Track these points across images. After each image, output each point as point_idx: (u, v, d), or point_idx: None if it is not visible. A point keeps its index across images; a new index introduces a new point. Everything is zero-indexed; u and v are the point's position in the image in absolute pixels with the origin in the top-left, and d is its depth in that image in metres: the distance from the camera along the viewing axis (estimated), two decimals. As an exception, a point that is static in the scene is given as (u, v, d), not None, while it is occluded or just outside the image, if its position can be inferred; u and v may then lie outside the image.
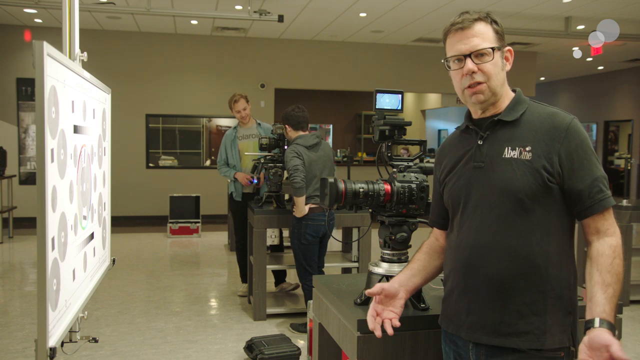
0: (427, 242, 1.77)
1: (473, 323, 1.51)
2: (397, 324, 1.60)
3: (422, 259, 1.73)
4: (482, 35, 1.50)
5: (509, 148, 1.49)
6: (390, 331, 1.58)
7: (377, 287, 1.64)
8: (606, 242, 1.44)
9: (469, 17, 1.52)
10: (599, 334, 1.31)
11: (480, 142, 1.55)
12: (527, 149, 1.46)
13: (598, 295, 1.38)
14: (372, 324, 1.61)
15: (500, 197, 1.47)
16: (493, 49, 1.50)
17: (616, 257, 1.42)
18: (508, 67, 1.56)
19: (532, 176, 1.44)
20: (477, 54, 1.50)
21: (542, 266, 1.45)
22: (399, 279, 1.69)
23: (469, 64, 1.50)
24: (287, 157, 3.99)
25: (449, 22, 1.56)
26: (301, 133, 4.12)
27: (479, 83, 1.51)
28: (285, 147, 4.37)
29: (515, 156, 1.47)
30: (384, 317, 1.62)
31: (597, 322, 1.34)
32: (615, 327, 1.34)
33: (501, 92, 1.54)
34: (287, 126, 4.13)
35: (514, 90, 1.59)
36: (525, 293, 1.46)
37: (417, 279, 1.70)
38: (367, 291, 1.66)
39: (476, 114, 1.60)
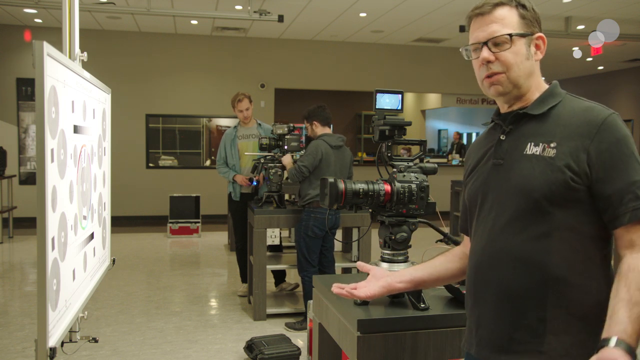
0: (453, 248, 1.66)
1: (482, 338, 1.37)
2: (358, 294, 1.56)
3: (436, 258, 1.62)
4: (503, 21, 1.35)
5: (532, 144, 1.33)
6: (340, 292, 1.56)
7: (366, 267, 1.67)
8: (638, 258, 1.22)
9: (490, 1, 1.38)
10: (612, 352, 1.10)
11: (502, 137, 1.40)
12: (552, 145, 1.30)
13: (621, 313, 1.16)
14: (336, 289, 1.59)
15: (516, 198, 1.32)
16: (511, 35, 1.34)
17: None
18: (539, 56, 1.39)
19: (553, 175, 1.27)
20: (495, 42, 1.35)
21: (561, 278, 1.27)
22: (397, 271, 1.64)
23: (484, 53, 1.36)
24: (308, 150, 4.10)
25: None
26: (327, 129, 4.21)
27: (497, 73, 1.36)
28: (286, 147, 4.38)
29: (538, 153, 1.31)
30: (351, 286, 1.58)
31: (613, 342, 1.12)
32: (635, 353, 1.12)
33: (527, 84, 1.38)
34: (315, 122, 4.19)
35: (557, 85, 1.42)
36: (540, 307, 1.28)
37: (418, 272, 1.59)
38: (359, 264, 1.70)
39: (503, 108, 1.44)
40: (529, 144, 1.34)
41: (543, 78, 1.45)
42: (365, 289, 1.57)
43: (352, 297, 1.57)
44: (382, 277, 1.61)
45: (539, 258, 1.29)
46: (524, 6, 1.38)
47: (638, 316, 1.15)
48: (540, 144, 1.32)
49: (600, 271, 1.30)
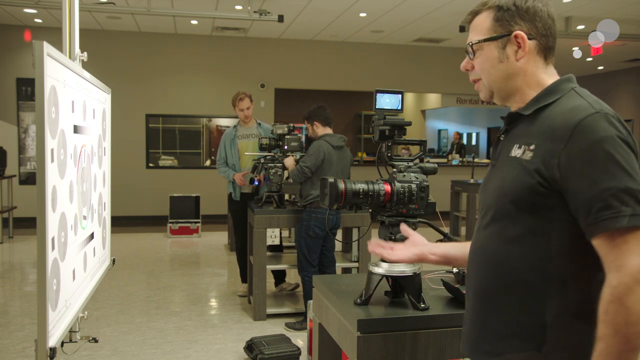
0: None
1: (463, 334, 1.40)
2: (389, 257, 1.64)
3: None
4: (476, 29, 1.35)
5: (517, 146, 1.28)
6: (374, 250, 1.66)
7: (409, 232, 1.69)
8: (607, 280, 1.11)
9: (472, 10, 1.38)
10: None
11: (501, 138, 1.37)
12: (531, 147, 1.23)
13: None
14: (372, 246, 1.68)
15: (494, 200, 1.31)
16: (471, 45, 1.35)
17: (613, 302, 1.08)
18: (520, 54, 1.31)
19: (524, 179, 1.22)
20: (467, 52, 1.38)
21: (528, 283, 1.23)
22: (432, 244, 1.66)
23: (462, 63, 1.40)
24: (310, 151, 4.09)
25: None
26: (328, 130, 4.21)
27: (477, 80, 1.39)
28: (286, 147, 4.38)
29: (519, 155, 1.26)
30: (389, 246, 1.65)
31: None
32: None
33: (509, 87, 1.34)
34: (316, 123, 4.19)
35: (568, 79, 1.32)
36: (506, 310, 1.27)
37: (452, 250, 1.60)
38: (402, 227, 1.73)
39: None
40: (515, 145, 1.30)
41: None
42: (398, 252, 1.64)
43: (384, 258, 1.66)
44: (418, 244, 1.64)
45: (506, 262, 1.27)
46: (499, 7, 1.32)
47: (600, 352, 1.10)
48: (522, 146, 1.27)
49: (572, 284, 1.20)
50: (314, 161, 4.03)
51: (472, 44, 1.34)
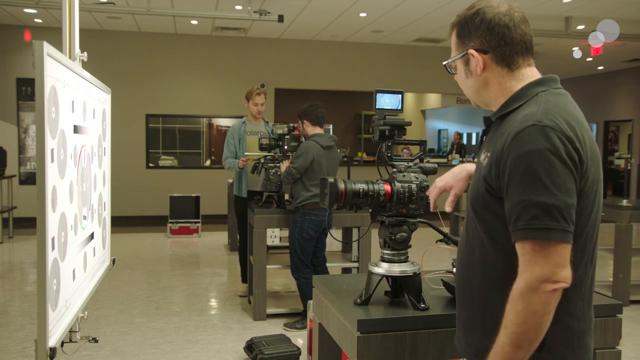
0: None
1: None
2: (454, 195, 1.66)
3: None
4: (452, 48, 1.43)
5: (484, 150, 1.35)
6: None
7: (437, 189, 1.69)
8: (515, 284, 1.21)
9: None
10: None
11: (484, 140, 1.44)
12: (488, 154, 1.29)
13: None
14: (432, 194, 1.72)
15: (467, 205, 1.40)
16: (445, 66, 1.43)
17: (510, 302, 1.19)
18: (478, 70, 1.35)
19: (479, 185, 1.30)
20: None
21: (486, 281, 1.31)
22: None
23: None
24: (299, 152, 4.05)
25: None
26: (318, 129, 4.16)
27: None
28: (285, 147, 4.38)
29: (481, 160, 1.34)
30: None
31: None
32: None
33: (481, 98, 1.40)
34: (305, 121, 4.16)
35: (538, 82, 1.33)
36: (470, 305, 1.37)
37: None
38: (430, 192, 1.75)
39: None
40: (483, 150, 1.36)
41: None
42: (456, 191, 1.68)
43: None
44: (459, 173, 1.69)
45: (469, 261, 1.37)
46: (458, 25, 1.38)
47: (496, 343, 1.21)
48: (485, 152, 1.33)
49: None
50: (302, 162, 4.00)
51: (445, 64, 1.43)
